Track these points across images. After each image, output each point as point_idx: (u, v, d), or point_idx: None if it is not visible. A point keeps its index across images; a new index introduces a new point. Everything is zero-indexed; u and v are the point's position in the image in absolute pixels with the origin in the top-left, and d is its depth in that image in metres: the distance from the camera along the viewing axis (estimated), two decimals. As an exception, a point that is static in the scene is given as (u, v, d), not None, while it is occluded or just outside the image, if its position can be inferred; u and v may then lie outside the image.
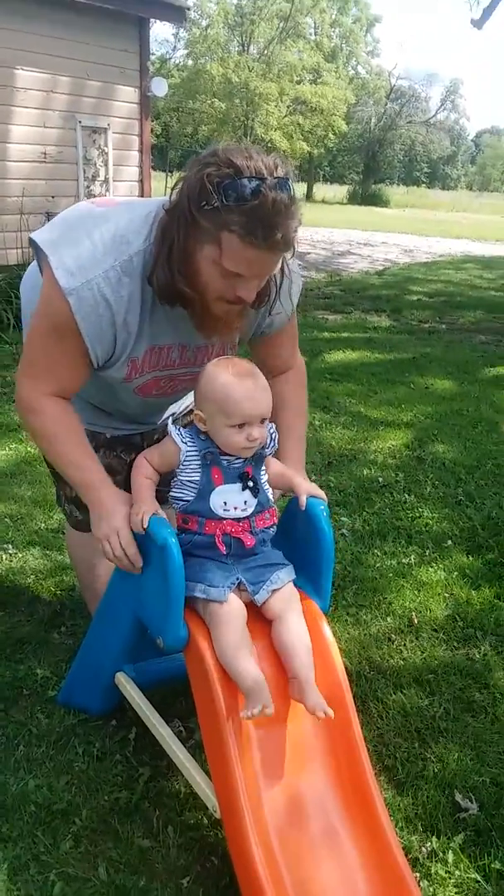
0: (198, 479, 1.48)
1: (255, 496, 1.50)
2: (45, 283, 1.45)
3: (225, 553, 1.48)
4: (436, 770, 1.77)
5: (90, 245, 1.40)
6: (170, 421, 1.55)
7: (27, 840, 1.56)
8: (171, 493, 1.52)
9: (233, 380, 1.43)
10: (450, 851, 1.56)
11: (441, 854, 1.56)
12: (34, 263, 1.75)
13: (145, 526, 1.42)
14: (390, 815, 1.44)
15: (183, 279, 1.36)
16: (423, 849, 1.57)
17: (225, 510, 1.48)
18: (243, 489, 1.48)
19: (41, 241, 1.46)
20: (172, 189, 1.37)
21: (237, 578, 1.46)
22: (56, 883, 1.47)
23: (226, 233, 1.28)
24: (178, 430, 1.51)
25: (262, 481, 1.53)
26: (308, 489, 1.58)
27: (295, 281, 1.61)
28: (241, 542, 1.49)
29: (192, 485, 1.48)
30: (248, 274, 1.34)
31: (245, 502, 1.49)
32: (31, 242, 1.50)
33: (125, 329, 1.45)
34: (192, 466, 1.48)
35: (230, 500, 1.48)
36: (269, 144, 26.62)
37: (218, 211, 1.27)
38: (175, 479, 1.51)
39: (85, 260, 1.39)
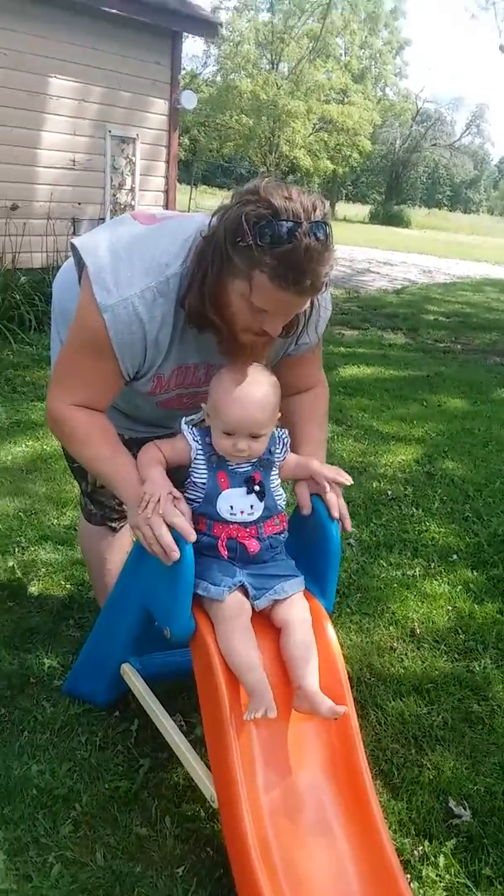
0: (205, 481, 1.51)
1: (262, 500, 1.52)
2: (82, 295, 1.48)
3: (227, 557, 1.51)
4: (431, 777, 1.79)
5: (129, 263, 1.43)
6: (183, 420, 1.58)
7: (27, 822, 1.60)
8: (185, 494, 1.55)
9: (231, 387, 1.45)
10: (441, 856, 1.58)
11: (433, 858, 1.58)
12: (69, 264, 1.78)
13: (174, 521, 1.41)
14: (384, 816, 1.47)
15: (213, 308, 1.40)
16: (416, 852, 1.59)
17: (231, 514, 1.51)
18: (248, 493, 1.51)
19: (84, 250, 1.48)
20: (213, 215, 1.40)
21: (240, 581, 1.49)
22: (54, 865, 1.51)
23: (257, 272, 1.30)
24: (190, 428, 1.55)
25: (272, 486, 1.56)
26: (327, 474, 1.59)
27: (322, 315, 1.63)
28: (246, 548, 1.51)
29: (201, 487, 1.52)
30: (275, 312, 1.37)
31: (252, 506, 1.51)
32: (73, 248, 1.53)
33: (155, 347, 1.48)
34: (200, 467, 1.52)
35: (236, 504, 1.51)
36: (293, 162, 26.82)
37: (251, 249, 1.29)
38: (188, 479, 1.55)
39: (123, 278, 1.42)
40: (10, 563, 2.54)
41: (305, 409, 1.75)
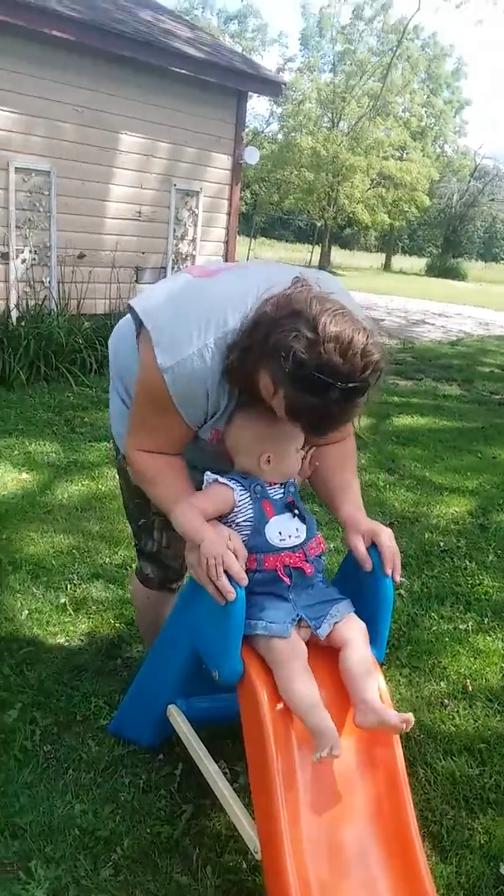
0: (251, 515, 1.53)
1: (304, 522, 1.57)
2: (142, 355, 1.53)
3: (289, 584, 1.52)
4: (482, 841, 1.72)
5: (187, 322, 1.46)
6: (207, 474, 1.60)
7: (69, 863, 1.59)
8: None
9: (271, 416, 1.46)
10: (492, 926, 1.51)
11: (483, 928, 1.51)
12: (125, 322, 1.78)
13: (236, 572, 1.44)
14: (433, 879, 1.42)
15: (244, 375, 1.42)
16: (465, 920, 1.52)
17: (281, 539, 1.53)
18: (293, 517, 1.55)
19: (142, 312, 1.52)
20: (272, 298, 1.38)
21: (298, 615, 1.51)
22: (93, 908, 1.49)
23: (283, 392, 1.33)
24: (222, 476, 1.56)
25: (304, 507, 1.60)
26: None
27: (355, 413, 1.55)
28: (302, 571, 1.54)
29: (248, 523, 1.53)
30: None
31: (297, 529, 1.55)
32: (130, 309, 1.57)
33: (216, 403, 1.51)
34: (246, 505, 1.54)
35: (284, 529, 1.54)
36: (352, 216, 27.25)
37: (285, 375, 1.29)
38: (232, 524, 1.55)
39: (182, 337, 1.45)
40: (63, 600, 2.58)
41: (340, 455, 1.73)
